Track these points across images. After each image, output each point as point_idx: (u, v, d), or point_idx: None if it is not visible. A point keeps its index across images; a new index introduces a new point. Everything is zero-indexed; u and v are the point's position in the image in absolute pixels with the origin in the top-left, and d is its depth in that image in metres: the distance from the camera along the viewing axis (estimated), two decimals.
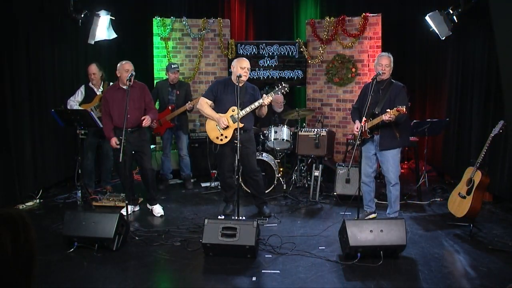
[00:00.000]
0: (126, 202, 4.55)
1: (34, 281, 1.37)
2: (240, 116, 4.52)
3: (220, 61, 7.38)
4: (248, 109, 4.58)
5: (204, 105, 4.72)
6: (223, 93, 4.67)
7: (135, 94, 4.77)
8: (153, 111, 4.98)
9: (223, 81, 4.83)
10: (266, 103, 4.58)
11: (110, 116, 4.76)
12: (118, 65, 4.82)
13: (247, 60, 4.67)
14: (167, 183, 6.27)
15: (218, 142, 4.69)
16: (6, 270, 1.29)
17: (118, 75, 4.79)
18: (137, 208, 5.14)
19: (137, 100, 4.80)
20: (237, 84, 4.43)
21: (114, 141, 4.69)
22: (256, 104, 4.58)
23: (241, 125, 4.50)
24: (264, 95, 4.61)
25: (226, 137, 4.66)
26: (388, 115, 4.15)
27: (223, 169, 4.83)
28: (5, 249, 1.29)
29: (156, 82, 6.47)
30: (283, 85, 4.70)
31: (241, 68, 4.55)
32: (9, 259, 1.29)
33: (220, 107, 4.70)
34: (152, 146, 7.04)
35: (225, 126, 4.61)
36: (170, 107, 5.96)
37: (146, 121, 4.75)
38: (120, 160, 4.25)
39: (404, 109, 4.10)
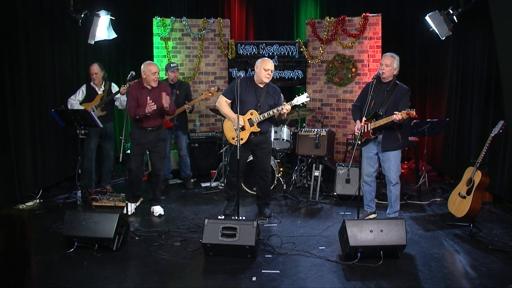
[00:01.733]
0: (126, 202, 4.56)
1: (30, 281, 1.37)
2: (257, 121, 4.54)
3: (220, 61, 7.38)
4: (266, 115, 4.55)
5: (223, 104, 4.66)
6: (244, 94, 4.58)
7: (157, 95, 4.73)
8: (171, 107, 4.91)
9: (244, 80, 4.67)
10: (285, 111, 4.51)
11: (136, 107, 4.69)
12: (143, 66, 4.73)
13: (272, 62, 4.57)
14: (167, 183, 6.26)
15: (234, 143, 4.66)
16: None
17: (144, 76, 4.71)
18: (138, 203, 5.13)
19: (159, 100, 4.68)
20: (237, 82, 4.40)
21: (149, 105, 4.57)
22: (275, 111, 4.53)
23: (258, 129, 4.56)
24: (284, 102, 4.55)
25: (241, 139, 4.63)
26: (399, 116, 4.16)
27: (233, 168, 4.81)
28: None
29: None
30: (305, 94, 4.58)
31: (265, 70, 4.49)
32: (1, 258, 1.30)
33: (239, 107, 4.58)
34: None
35: (241, 126, 4.58)
36: None
37: (165, 101, 4.60)
38: (120, 160, 4.26)
39: (414, 113, 4.12)
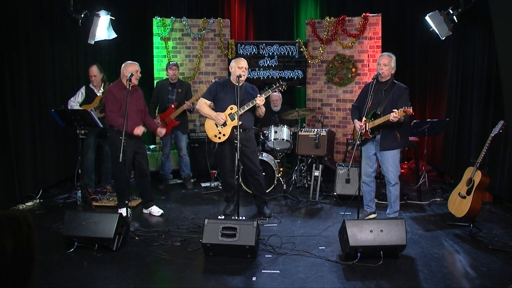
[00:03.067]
0: (127, 202, 4.54)
1: (33, 282, 1.37)
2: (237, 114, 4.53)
3: (220, 61, 7.38)
4: (245, 107, 4.60)
5: (203, 105, 4.75)
6: (222, 93, 4.69)
7: (138, 97, 4.79)
8: (150, 117, 5.03)
9: (222, 82, 4.86)
10: (259, 103, 4.58)
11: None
12: (125, 66, 4.69)
13: (245, 60, 4.69)
14: (167, 183, 6.26)
15: (217, 140, 4.72)
16: (4, 269, 1.30)
17: (126, 74, 4.62)
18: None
19: (140, 103, 4.80)
20: (237, 84, 4.45)
21: (140, 129, 4.67)
22: (250, 104, 4.59)
23: (239, 122, 4.51)
24: (258, 95, 4.62)
25: (224, 135, 4.68)
26: (394, 115, 4.15)
27: (224, 169, 4.84)
28: (5, 249, 1.30)
29: (156, 82, 6.48)
30: (281, 83, 4.70)
31: (239, 68, 4.57)
32: (8, 259, 1.30)
33: (219, 107, 4.73)
34: (152, 146, 7.05)
35: (223, 122, 4.63)
36: (173, 105, 5.96)
37: (140, 130, 4.70)
38: (120, 160, 4.22)
39: (411, 110, 4.11)
